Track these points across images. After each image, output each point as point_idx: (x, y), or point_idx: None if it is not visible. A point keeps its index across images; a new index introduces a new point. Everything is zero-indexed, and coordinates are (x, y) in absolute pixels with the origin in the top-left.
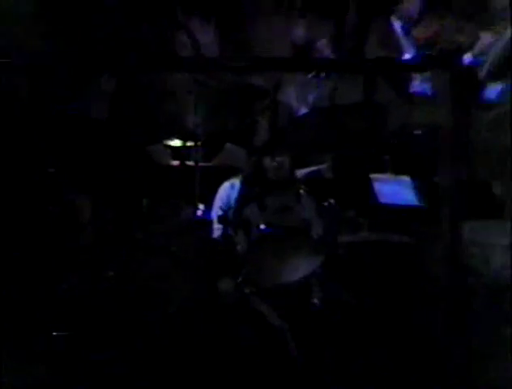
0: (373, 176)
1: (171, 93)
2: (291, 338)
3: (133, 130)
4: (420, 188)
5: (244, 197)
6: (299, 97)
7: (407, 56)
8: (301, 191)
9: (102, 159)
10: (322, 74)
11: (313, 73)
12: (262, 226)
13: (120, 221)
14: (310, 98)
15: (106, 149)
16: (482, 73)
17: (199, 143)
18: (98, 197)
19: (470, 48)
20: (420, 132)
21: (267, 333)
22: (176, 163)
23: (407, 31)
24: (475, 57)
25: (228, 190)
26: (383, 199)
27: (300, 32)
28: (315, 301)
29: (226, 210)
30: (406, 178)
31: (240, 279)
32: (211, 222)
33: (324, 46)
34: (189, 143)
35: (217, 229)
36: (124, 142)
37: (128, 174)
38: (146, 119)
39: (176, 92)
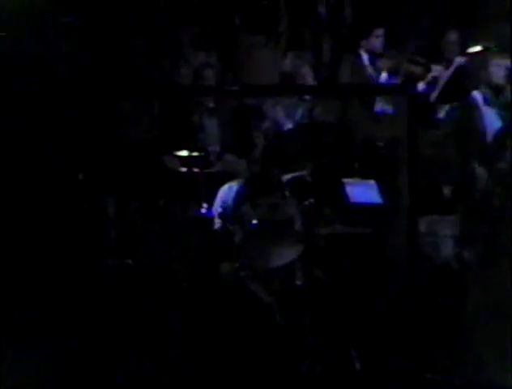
0: (344, 180)
1: (182, 115)
2: (278, 311)
3: (151, 145)
4: (382, 189)
5: (240, 197)
6: (287, 116)
7: (372, 82)
8: (286, 193)
9: (127, 167)
10: (305, 97)
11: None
12: (255, 221)
13: (141, 217)
14: (296, 116)
15: (131, 160)
16: (433, 97)
17: (203, 154)
18: (124, 198)
19: (423, 77)
20: (382, 144)
21: (259, 307)
22: (184, 170)
23: (372, 62)
24: (427, 84)
25: (226, 192)
26: (353, 199)
27: (287, 62)
28: (298, 282)
29: (225, 208)
30: (371, 181)
31: (237, 264)
32: (213, 218)
33: (306, 74)
34: (194, 154)
35: (218, 224)
36: (144, 153)
37: (147, 179)
38: (162, 134)
39: (186, 115)
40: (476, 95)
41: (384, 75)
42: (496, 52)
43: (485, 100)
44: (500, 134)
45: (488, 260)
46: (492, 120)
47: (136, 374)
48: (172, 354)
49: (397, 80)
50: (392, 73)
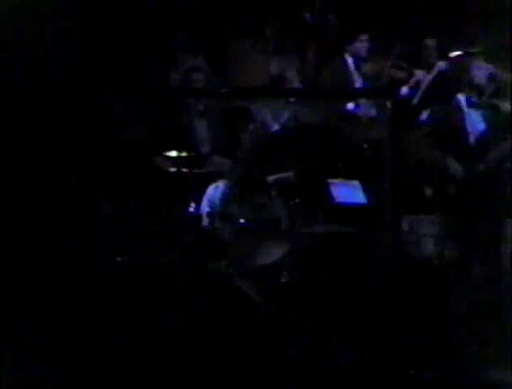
0: (329, 180)
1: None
2: (264, 308)
3: (143, 146)
4: (366, 190)
5: (227, 196)
6: (274, 118)
7: (357, 86)
8: (273, 193)
9: (118, 168)
10: (291, 100)
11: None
12: (242, 220)
13: (131, 216)
14: (282, 118)
15: (122, 161)
16: (415, 100)
17: (193, 155)
18: (115, 197)
19: (406, 81)
20: (366, 146)
21: (246, 303)
22: (174, 170)
23: (357, 66)
24: (410, 88)
25: (213, 191)
26: (337, 199)
27: (273, 66)
28: (284, 279)
29: (213, 207)
30: (355, 182)
31: (225, 262)
32: (201, 217)
33: (292, 78)
34: (184, 155)
35: (206, 223)
36: (134, 154)
37: (137, 179)
38: (153, 136)
39: (176, 117)
40: (460, 97)
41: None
42: (477, 56)
43: (469, 103)
44: (483, 136)
45: (472, 258)
46: (475, 122)
47: (135, 372)
48: (163, 351)
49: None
50: (371, 79)
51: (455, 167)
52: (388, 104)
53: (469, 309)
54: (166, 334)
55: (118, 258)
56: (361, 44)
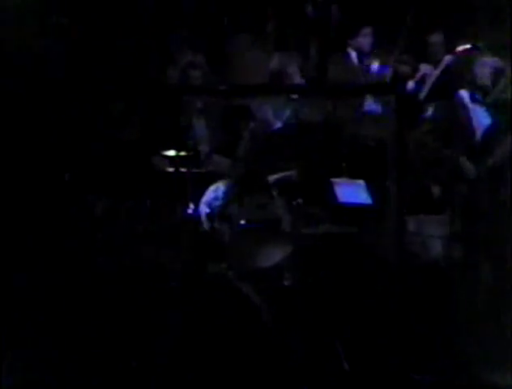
0: (332, 179)
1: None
2: (266, 312)
3: (139, 144)
4: (371, 189)
5: (227, 197)
6: (275, 115)
7: (360, 81)
8: (274, 192)
9: (115, 167)
10: (293, 96)
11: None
12: (242, 221)
13: (128, 217)
14: (283, 116)
15: (118, 160)
16: (421, 96)
17: (192, 154)
18: (111, 198)
19: (412, 76)
20: (372, 144)
21: (246, 306)
22: (172, 170)
23: (361, 60)
24: (416, 83)
25: (213, 192)
26: (341, 199)
27: (274, 62)
28: (286, 282)
29: (212, 208)
30: (360, 181)
31: (225, 264)
32: (200, 218)
33: (294, 74)
34: (182, 154)
35: (206, 224)
36: (132, 153)
37: (134, 179)
38: (150, 135)
39: (175, 115)
40: (463, 93)
41: (375, 66)
42: (484, 50)
43: (473, 99)
44: (489, 132)
45: (478, 258)
46: (480, 118)
47: (135, 373)
48: (162, 354)
49: (387, 70)
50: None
51: (468, 166)
52: (393, 100)
53: (473, 312)
54: (165, 338)
55: (115, 261)
56: (364, 39)
